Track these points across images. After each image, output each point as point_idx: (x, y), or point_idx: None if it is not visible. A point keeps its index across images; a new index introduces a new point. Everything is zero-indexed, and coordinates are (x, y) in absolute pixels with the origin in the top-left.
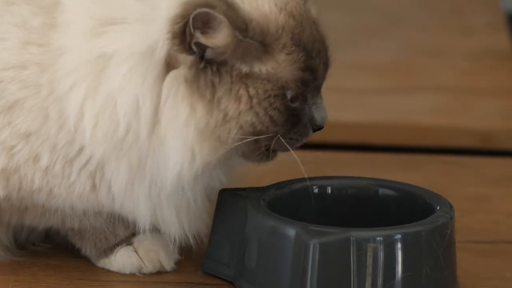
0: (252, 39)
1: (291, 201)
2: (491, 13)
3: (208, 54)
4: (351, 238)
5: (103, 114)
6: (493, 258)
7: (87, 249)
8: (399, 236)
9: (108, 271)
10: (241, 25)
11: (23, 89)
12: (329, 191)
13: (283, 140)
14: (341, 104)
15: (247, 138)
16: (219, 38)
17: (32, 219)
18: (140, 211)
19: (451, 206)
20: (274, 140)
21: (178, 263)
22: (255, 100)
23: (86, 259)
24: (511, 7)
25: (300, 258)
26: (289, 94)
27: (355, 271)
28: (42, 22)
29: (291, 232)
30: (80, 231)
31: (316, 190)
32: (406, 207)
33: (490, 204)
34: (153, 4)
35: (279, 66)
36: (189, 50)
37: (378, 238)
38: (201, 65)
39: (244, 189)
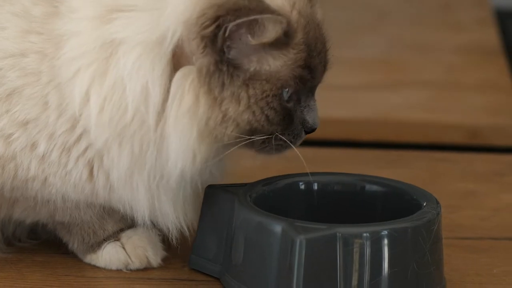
0: (282, 30)
1: (277, 197)
2: (479, 9)
3: (232, 54)
4: (338, 234)
5: (110, 99)
6: (480, 254)
7: (75, 244)
8: (386, 232)
9: (94, 267)
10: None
11: (23, 77)
12: (316, 187)
13: (282, 137)
14: (329, 100)
15: (243, 137)
16: (268, 36)
17: (22, 211)
18: (138, 200)
19: (437, 202)
20: (273, 138)
21: (164, 260)
22: (252, 100)
23: (72, 256)
24: (499, 3)
25: (287, 254)
26: (285, 93)
27: (341, 267)
28: (43, 11)
29: (277, 228)
30: (68, 225)
31: (302, 186)
32: (393, 203)
33: (477, 200)
34: None
35: (285, 64)
36: (219, 53)
37: (364, 234)
38: (224, 67)
39: (231, 185)
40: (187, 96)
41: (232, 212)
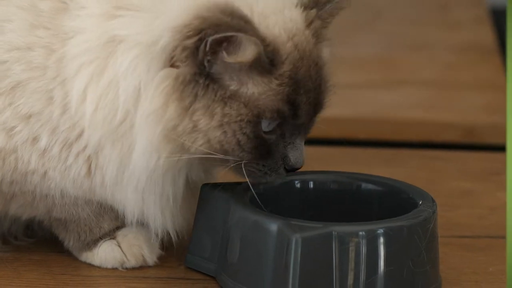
0: (266, 55)
1: (273, 196)
2: (475, 7)
3: (214, 69)
4: (333, 233)
5: (105, 98)
6: (476, 253)
7: (71, 241)
8: (382, 230)
9: (90, 266)
10: (261, 40)
11: (28, 70)
12: (312, 186)
13: (243, 168)
14: None
15: (212, 154)
16: (245, 56)
17: (18, 207)
18: (128, 201)
19: (433, 201)
20: (236, 164)
21: (160, 258)
22: (226, 119)
23: (68, 254)
24: (495, 2)
25: (282, 253)
26: (264, 124)
27: (337, 266)
28: (51, 6)
29: (273, 227)
30: (65, 222)
31: (298, 185)
32: (389, 202)
33: (473, 199)
34: None
35: (265, 93)
36: (199, 66)
37: (360, 233)
38: (201, 79)
39: (226, 184)
40: (157, 98)
41: (228, 210)
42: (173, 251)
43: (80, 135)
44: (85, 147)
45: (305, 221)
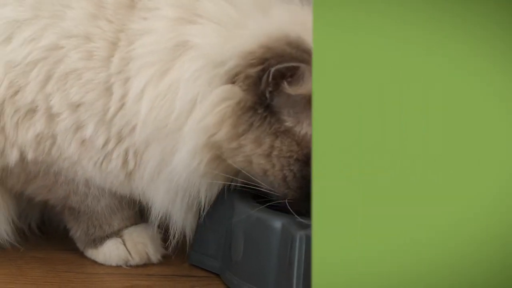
0: None
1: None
2: None
3: (275, 101)
4: None
5: (162, 99)
6: None
7: (78, 232)
8: None
9: (94, 263)
10: None
11: (86, 60)
12: None
13: (288, 206)
14: None
15: (253, 177)
16: (307, 88)
17: (35, 188)
18: (158, 198)
19: None
20: (281, 200)
21: (165, 256)
22: (275, 152)
23: (72, 252)
24: None
25: (286, 250)
26: None
27: None
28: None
29: (277, 224)
30: (78, 212)
31: None
32: None
33: None
34: (247, 19)
35: None
36: (260, 96)
37: None
38: (260, 109)
39: (231, 181)
40: (213, 115)
41: (232, 208)
42: (178, 249)
43: (132, 130)
44: (136, 142)
45: (309, 219)
